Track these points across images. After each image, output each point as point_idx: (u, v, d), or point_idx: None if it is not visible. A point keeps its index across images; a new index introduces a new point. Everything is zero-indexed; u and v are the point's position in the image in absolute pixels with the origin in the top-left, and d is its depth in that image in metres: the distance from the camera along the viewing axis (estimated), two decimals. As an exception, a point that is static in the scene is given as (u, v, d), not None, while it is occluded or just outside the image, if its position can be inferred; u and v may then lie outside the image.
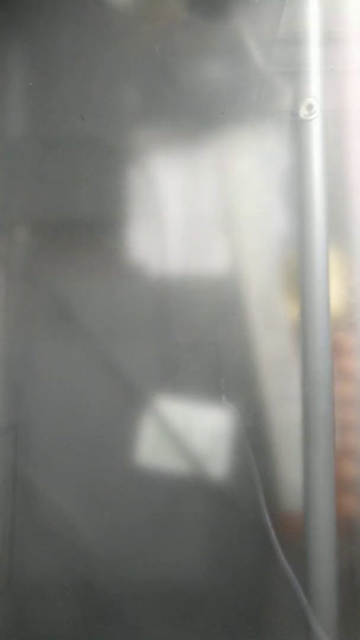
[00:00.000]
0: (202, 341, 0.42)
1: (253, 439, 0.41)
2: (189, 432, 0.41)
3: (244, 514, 0.40)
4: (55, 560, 0.41)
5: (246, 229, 0.42)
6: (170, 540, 0.41)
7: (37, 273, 0.44)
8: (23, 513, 0.42)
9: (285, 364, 0.42)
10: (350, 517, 0.40)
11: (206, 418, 0.41)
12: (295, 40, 0.44)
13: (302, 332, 0.42)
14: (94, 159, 0.45)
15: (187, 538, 0.40)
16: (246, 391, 0.41)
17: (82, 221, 0.44)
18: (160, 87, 0.45)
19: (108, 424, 0.42)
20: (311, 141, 0.43)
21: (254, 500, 0.40)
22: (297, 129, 0.43)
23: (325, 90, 0.43)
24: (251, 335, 0.42)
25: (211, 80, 0.44)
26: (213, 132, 0.44)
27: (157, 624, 0.40)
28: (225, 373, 0.41)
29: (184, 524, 0.40)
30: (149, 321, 0.43)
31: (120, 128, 0.45)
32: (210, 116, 0.44)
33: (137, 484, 0.41)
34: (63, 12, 0.46)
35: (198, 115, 0.44)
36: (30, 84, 0.46)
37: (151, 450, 0.42)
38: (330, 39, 0.44)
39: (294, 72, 0.44)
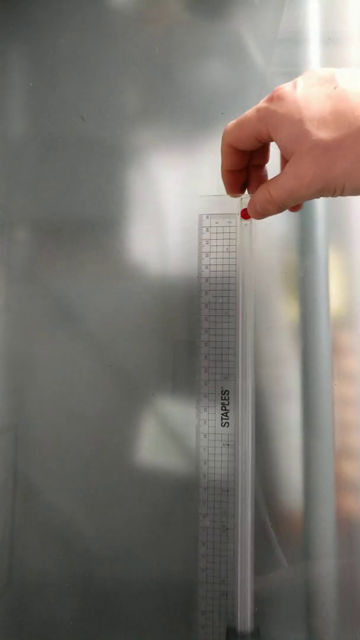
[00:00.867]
0: (202, 341, 0.42)
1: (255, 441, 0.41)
2: (188, 432, 0.41)
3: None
4: (55, 559, 0.41)
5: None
6: (170, 539, 0.41)
7: (37, 273, 0.44)
8: (23, 513, 0.42)
9: (285, 364, 0.42)
10: (350, 517, 0.40)
11: (206, 418, 0.41)
12: (295, 40, 0.44)
13: (302, 332, 0.42)
14: (94, 159, 0.45)
15: (187, 538, 0.40)
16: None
17: (83, 221, 0.44)
18: (160, 87, 0.45)
19: (108, 424, 0.42)
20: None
21: (255, 500, 0.40)
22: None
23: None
24: (251, 335, 0.42)
25: (211, 80, 0.44)
26: (213, 132, 0.44)
27: (157, 622, 0.40)
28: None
29: (184, 523, 0.40)
30: (150, 322, 0.43)
31: (120, 128, 0.45)
32: (210, 116, 0.44)
33: (137, 483, 0.41)
34: (63, 12, 0.46)
35: (198, 115, 0.44)
36: (31, 84, 0.46)
37: (151, 450, 0.42)
38: (330, 39, 0.44)
39: (294, 72, 0.44)
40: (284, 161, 0.36)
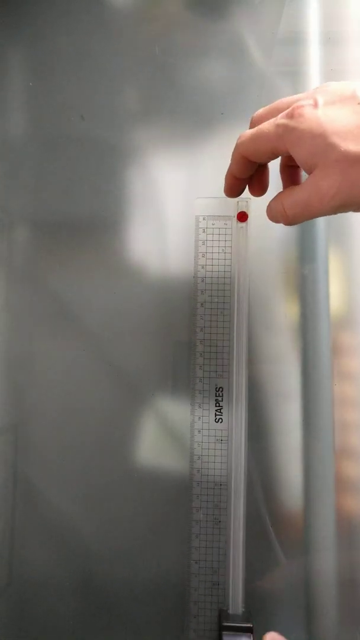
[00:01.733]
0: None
1: (253, 439, 0.41)
2: (188, 431, 0.41)
3: (247, 514, 0.40)
4: (55, 559, 0.41)
5: (251, 231, 0.42)
6: (170, 538, 0.41)
7: (37, 273, 0.44)
8: (23, 513, 0.42)
9: (285, 363, 0.42)
10: (350, 517, 0.40)
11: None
12: (295, 40, 0.44)
13: (302, 332, 0.42)
14: (94, 159, 0.45)
15: (187, 535, 0.40)
16: (246, 391, 0.41)
17: (83, 221, 0.44)
18: (160, 87, 0.45)
19: (108, 424, 0.42)
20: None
21: (255, 500, 0.40)
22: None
23: (325, 90, 0.43)
24: (251, 335, 0.42)
25: (211, 80, 0.44)
26: (213, 132, 0.44)
27: (157, 622, 0.40)
28: (225, 373, 0.41)
29: (185, 522, 0.40)
30: (150, 321, 0.43)
31: (120, 128, 0.45)
32: (210, 116, 0.44)
33: (137, 483, 0.41)
34: (63, 12, 0.46)
35: (198, 115, 0.44)
36: (31, 84, 0.46)
37: (151, 449, 0.42)
38: (330, 39, 0.44)
39: (294, 72, 0.44)
40: (288, 174, 0.36)
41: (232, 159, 0.35)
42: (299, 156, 0.30)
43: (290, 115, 0.30)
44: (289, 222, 0.32)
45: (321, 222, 0.42)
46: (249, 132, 0.33)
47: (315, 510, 0.40)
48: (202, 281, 0.42)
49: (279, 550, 0.40)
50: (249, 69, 0.44)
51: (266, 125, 0.31)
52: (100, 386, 0.43)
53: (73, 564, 0.41)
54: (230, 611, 0.39)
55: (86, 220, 0.44)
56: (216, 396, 0.41)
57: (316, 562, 0.40)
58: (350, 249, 0.43)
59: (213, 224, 0.42)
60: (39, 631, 0.41)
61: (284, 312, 0.42)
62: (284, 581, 0.40)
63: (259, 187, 0.37)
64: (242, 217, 0.41)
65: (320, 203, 0.29)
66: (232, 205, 0.42)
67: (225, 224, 0.42)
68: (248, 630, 0.37)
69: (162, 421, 0.42)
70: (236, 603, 0.39)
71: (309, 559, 0.40)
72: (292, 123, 0.29)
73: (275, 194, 0.33)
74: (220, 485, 0.40)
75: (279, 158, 0.35)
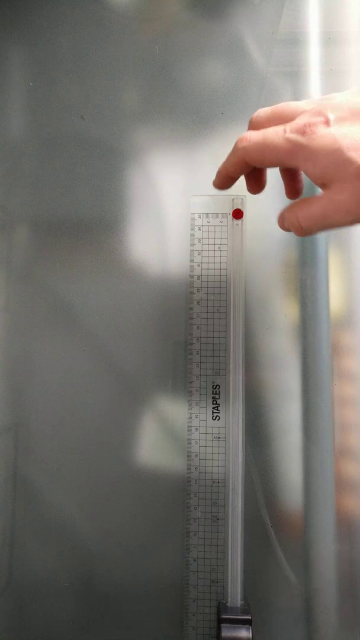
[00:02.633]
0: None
1: (253, 439, 0.41)
2: (189, 429, 0.41)
3: (245, 512, 0.40)
4: (55, 560, 0.41)
5: (246, 229, 0.42)
6: (170, 538, 0.41)
7: (37, 273, 0.44)
8: (23, 513, 0.42)
9: (285, 364, 0.42)
10: (350, 517, 0.40)
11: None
12: (295, 40, 0.44)
13: (302, 332, 0.42)
14: (94, 159, 0.45)
15: (185, 535, 0.40)
16: (246, 391, 0.41)
17: (83, 221, 0.44)
18: (160, 87, 0.45)
19: (108, 424, 0.42)
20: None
21: (254, 500, 0.40)
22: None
23: (325, 90, 0.44)
24: (251, 335, 0.42)
25: (211, 80, 0.44)
26: (213, 132, 0.44)
27: (156, 620, 0.40)
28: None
29: (185, 521, 0.40)
30: (149, 320, 0.43)
31: (120, 128, 0.45)
32: (210, 116, 0.44)
33: (137, 482, 0.41)
34: (63, 12, 0.46)
35: (198, 115, 0.44)
36: (31, 84, 0.46)
37: (151, 449, 0.42)
38: (330, 39, 0.44)
39: (294, 72, 0.44)
40: (289, 174, 0.36)
41: (230, 160, 0.35)
42: (312, 172, 0.30)
43: (302, 132, 0.30)
44: (302, 234, 0.32)
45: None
46: (253, 138, 0.32)
47: (315, 510, 0.40)
48: (198, 279, 0.42)
49: (279, 550, 0.40)
50: (249, 69, 0.44)
51: (274, 137, 0.31)
52: (100, 386, 0.43)
53: (73, 564, 0.41)
54: (229, 604, 0.39)
55: (86, 220, 0.44)
56: (213, 394, 0.41)
57: (316, 561, 0.40)
58: (350, 249, 0.43)
59: (208, 222, 0.42)
60: (39, 631, 0.41)
61: (284, 312, 0.42)
62: (284, 580, 0.40)
63: (257, 186, 0.37)
64: (238, 214, 0.41)
65: (337, 216, 0.29)
66: (228, 202, 0.42)
67: (221, 221, 0.42)
68: (247, 623, 0.37)
69: (161, 419, 0.42)
70: (235, 596, 0.39)
71: (308, 559, 0.40)
72: (304, 140, 0.29)
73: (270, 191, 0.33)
74: (218, 482, 0.40)
75: None
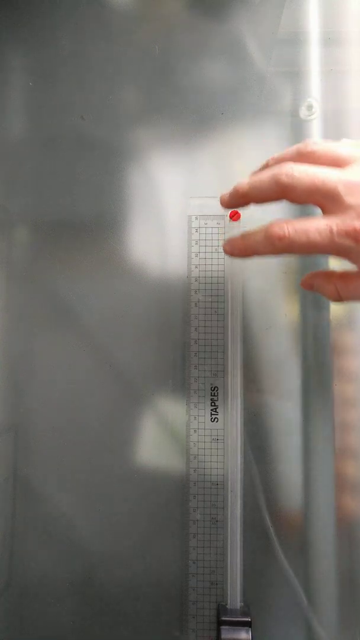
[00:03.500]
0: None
1: (253, 439, 0.41)
2: (188, 431, 0.41)
3: (245, 513, 0.40)
4: (55, 560, 0.41)
5: (246, 228, 0.42)
6: (170, 537, 0.41)
7: (37, 273, 0.44)
8: (23, 513, 0.42)
9: (285, 364, 0.42)
10: (350, 517, 0.40)
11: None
12: (295, 40, 0.44)
13: (302, 332, 0.42)
14: (94, 159, 0.45)
15: (185, 537, 0.40)
16: (246, 391, 0.41)
17: (83, 221, 0.44)
18: (160, 87, 0.45)
19: (108, 424, 0.42)
20: (311, 141, 0.43)
21: (254, 500, 0.40)
22: (297, 129, 0.43)
23: (325, 90, 0.43)
24: (251, 335, 0.42)
25: (211, 80, 0.44)
26: (213, 132, 0.44)
27: (156, 622, 0.40)
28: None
29: (184, 521, 0.40)
30: (148, 321, 0.43)
31: (120, 128, 0.45)
32: (210, 116, 0.44)
33: (137, 483, 0.41)
34: (63, 12, 0.46)
35: (198, 115, 0.44)
36: (31, 84, 0.46)
37: (151, 449, 0.42)
38: (330, 39, 0.44)
39: (294, 72, 0.44)
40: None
41: (259, 194, 0.33)
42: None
43: (355, 239, 0.29)
44: (336, 301, 0.33)
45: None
46: (293, 232, 0.30)
47: (315, 510, 0.40)
48: (196, 281, 0.42)
49: (279, 550, 0.40)
50: (249, 69, 0.44)
51: (317, 237, 0.29)
52: (100, 386, 0.43)
53: (73, 565, 0.41)
54: (229, 606, 0.39)
55: (86, 220, 0.44)
56: (212, 396, 0.41)
57: (316, 561, 0.40)
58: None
59: (206, 224, 0.42)
60: (39, 631, 0.41)
61: (284, 312, 0.42)
62: (284, 581, 0.40)
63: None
64: (235, 216, 0.41)
65: None
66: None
67: (218, 223, 0.42)
68: (246, 625, 0.37)
69: (160, 421, 0.42)
70: (234, 598, 0.39)
71: (308, 559, 0.40)
72: (350, 243, 0.29)
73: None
74: (217, 484, 0.40)
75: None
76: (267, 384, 0.42)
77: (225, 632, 0.37)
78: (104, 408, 0.42)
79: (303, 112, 0.43)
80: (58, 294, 0.44)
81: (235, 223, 0.41)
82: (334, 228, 0.29)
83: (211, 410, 0.41)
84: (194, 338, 0.42)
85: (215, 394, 0.41)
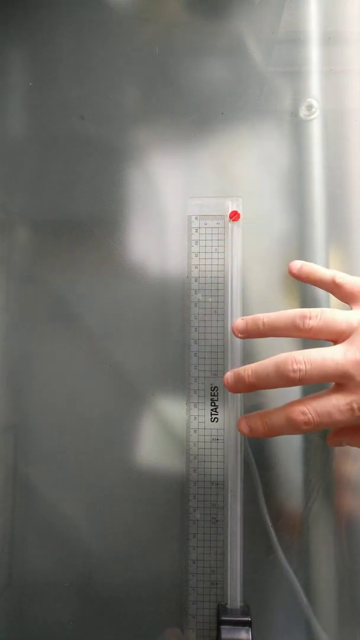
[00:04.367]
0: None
1: (253, 439, 0.41)
2: (188, 431, 0.41)
3: (245, 513, 0.40)
4: (55, 560, 0.41)
5: (246, 228, 0.42)
6: (171, 537, 0.41)
7: (37, 273, 0.44)
8: (23, 513, 0.42)
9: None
10: (350, 517, 0.40)
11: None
12: (295, 40, 0.44)
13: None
14: (94, 159, 0.45)
15: (185, 537, 0.40)
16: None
17: (83, 221, 0.44)
18: (160, 87, 0.45)
19: (108, 424, 0.42)
20: (311, 141, 0.43)
21: (254, 500, 0.40)
22: (297, 129, 0.43)
23: (325, 90, 0.43)
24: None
25: (211, 80, 0.44)
26: (213, 132, 0.44)
27: (156, 622, 0.40)
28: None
29: (184, 521, 0.40)
30: (149, 321, 0.43)
31: (120, 128, 0.45)
32: (210, 116, 0.44)
33: (137, 483, 0.41)
34: (63, 12, 0.46)
35: (198, 115, 0.44)
36: (31, 84, 0.46)
37: (151, 449, 0.42)
38: (330, 39, 0.44)
39: (294, 72, 0.44)
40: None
41: (271, 381, 0.34)
42: None
43: None
44: None
45: (321, 222, 0.42)
46: (314, 415, 0.32)
47: (315, 510, 0.40)
48: (196, 281, 0.42)
49: (279, 550, 0.40)
50: (249, 69, 0.44)
51: (339, 416, 0.32)
52: (100, 386, 0.43)
53: (73, 565, 0.41)
54: (229, 606, 0.39)
55: (86, 220, 0.44)
56: (211, 396, 0.41)
57: (316, 561, 0.40)
58: (350, 249, 0.43)
59: (205, 224, 0.42)
60: (38, 631, 0.41)
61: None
62: (284, 581, 0.40)
63: None
64: (235, 216, 0.41)
65: None
66: (224, 204, 0.42)
67: (218, 223, 0.42)
68: (246, 624, 0.37)
69: (163, 421, 0.42)
70: (235, 598, 0.39)
71: (308, 559, 0.40)
72: None
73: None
74: (217, 484, 0.40)
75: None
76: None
77: (225, 632, 0.37)
78: (103, 408, 0.42)
79: (303, 112, 0.43)
80: (58, 294, 0.44)
81: (235, 223, 0.41)
82: (355, 406, 0.31)
83: (211, 410, 0.41)
84: (194, 338, 0.42)
85: (215, 394, 0.41)
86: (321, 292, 0.41)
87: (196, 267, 0.42)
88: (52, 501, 0.42)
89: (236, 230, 0.41)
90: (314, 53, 0.44)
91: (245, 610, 0.38)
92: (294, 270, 0.39)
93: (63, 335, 0.43)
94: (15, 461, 0.42)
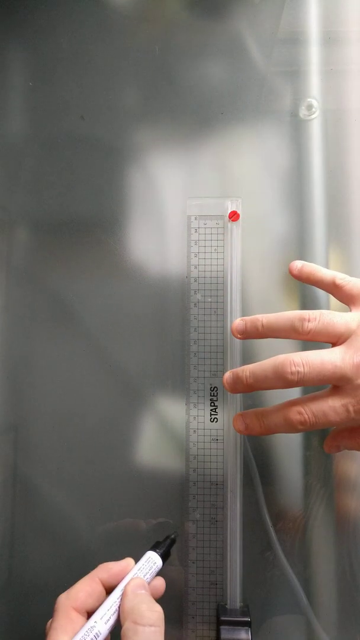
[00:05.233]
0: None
1: (253, 439, 0.41)
2: (187, 431, 0.41)
3: (245, 513, 0.40)
4: (55, 559, 0.41)
5: (246, 229, 0.42)
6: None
7: (37, 273, 0.44)
8: (23, 513, 0.42)
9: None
10: (350, 517, 0.40)
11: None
12: (295, 40, 0.44)
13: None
14: (94, 159, 0.45)
15: (184, 537, 0.40)
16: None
17: (83, 221, 0.44)
18: (160, 87, 0.45)
19: (108, 424, 0.42)
20: (311, 141, 0.43)
21: (254, 500, 0.40)
22: (297, 129, 0.43)
23: (325, 90, 0.43)
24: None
25: (211, 80, 0.44)
26: (213, 132, 0.44)
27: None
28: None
29: (182, 525, 0.40)
30: (148, 321, 0.43)
31: (120, 128, 0.45)
32: (210, 116, 0.44)
33: (137, 483, 0.41)
34: (63, 12, 0.46)
35: (198, 115, 0.44)
36: (31, 84, 0.46)
37: (151, 449, 0.42)
38: (330, 39, 0.44)
39: (294, 72, 0.44)
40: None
41: (268, 382, 0.34)
42: None
43: None
44: None
45: (321, 222, 0.42)
46: (311, 419, 0.33)
47: (315, 510, 0.40)
48: (195, 281, 0.42)
49: (279, 550, 0.40)
50: (249, 69, 0.44)
51: (335, 417, 0.32)
52: (100, 386, 0.43)
53: (73, 565, 0.41)
54: (229, 606, 0.39)
55: (86, 220, 0.44)
56: (211, 396, 0.41)
57: (316, 561, 0.40)
58: (350, 249, 0.42)
59: (205, 224, 0.42)
60: (39, 631, 0.41)
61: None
62: (284, 581, 0.40)
63: None
64: (234, 216, 0.41)
65: None
66: (224, 204, 0.42)
67: (217, 223, 0.42)
68: (246, 625, 0.37)
69: (160, 421, 0.42)
70: (234, 598, 0.39)
71: (308, 559, 0.40)
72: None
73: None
74: (217, 484, 0.40)
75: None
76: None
77: (225, 632, 0.37)
78: (103, 408, 0.42)
79: (303, 112, 0.43)
80: (58, 294, 0.44)
81: (234, 223, 0.41)
82: (350, 408, 0.32)
83: (211, 410, 0.41)
84: (194, 338, 0.42)
85: (215, 394, 0.41)
86: (321, 293, 0.41)
87: (196, 268, 0.42)
88: (52, 501, 0.42)
89: (236, 230, 0.41)
90: (314, 53, 0.44)
91: (245, 611, 0.38)
92: (295, 271, 0.39)
93: (63, 335, 0.43)
94: (15, 461, 0.42)
